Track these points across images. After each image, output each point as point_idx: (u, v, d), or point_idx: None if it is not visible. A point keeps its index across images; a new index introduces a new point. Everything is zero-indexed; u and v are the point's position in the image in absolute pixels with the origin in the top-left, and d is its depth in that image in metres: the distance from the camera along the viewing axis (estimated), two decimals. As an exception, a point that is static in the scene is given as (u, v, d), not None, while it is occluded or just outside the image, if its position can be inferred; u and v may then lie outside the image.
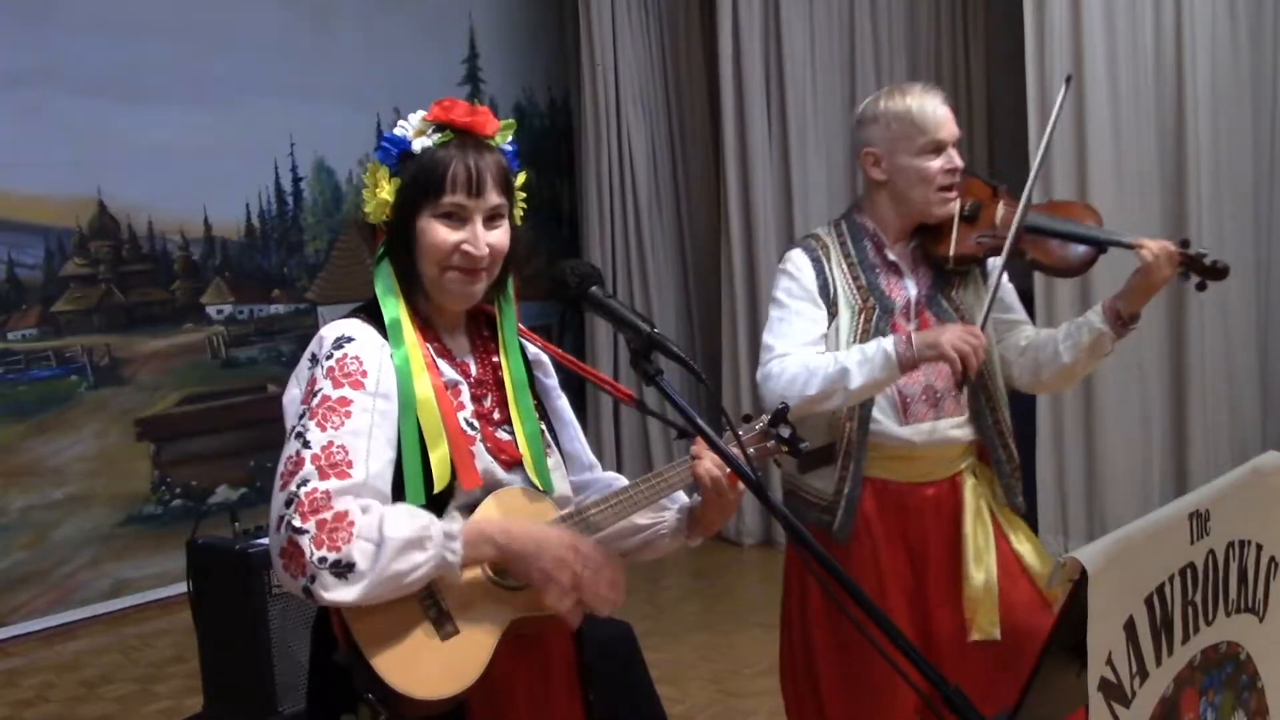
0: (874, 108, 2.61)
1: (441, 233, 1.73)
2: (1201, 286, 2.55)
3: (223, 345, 5.73)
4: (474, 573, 1.69)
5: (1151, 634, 1.34)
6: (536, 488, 1.79)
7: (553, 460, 1.85)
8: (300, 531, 1.55)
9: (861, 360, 2.43)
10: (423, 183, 1.73)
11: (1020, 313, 2.75)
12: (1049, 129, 2.67)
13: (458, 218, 1.73)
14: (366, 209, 1.78)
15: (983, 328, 2.49)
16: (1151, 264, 2.46)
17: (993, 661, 2.55)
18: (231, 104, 5.56)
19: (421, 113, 1.78)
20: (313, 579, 1.54)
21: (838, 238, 2.65)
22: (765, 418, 1.94)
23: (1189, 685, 1.42)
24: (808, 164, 5.78)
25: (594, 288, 1.76)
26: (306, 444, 1.62)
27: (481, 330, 1.88)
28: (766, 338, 2.63)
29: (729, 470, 1.74)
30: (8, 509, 5.08)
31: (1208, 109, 4.65)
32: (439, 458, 1.68)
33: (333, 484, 1.58)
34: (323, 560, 1.54)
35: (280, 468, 1.64)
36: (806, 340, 2.55)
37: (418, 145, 1.74)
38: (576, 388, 5.61)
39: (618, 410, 6.32)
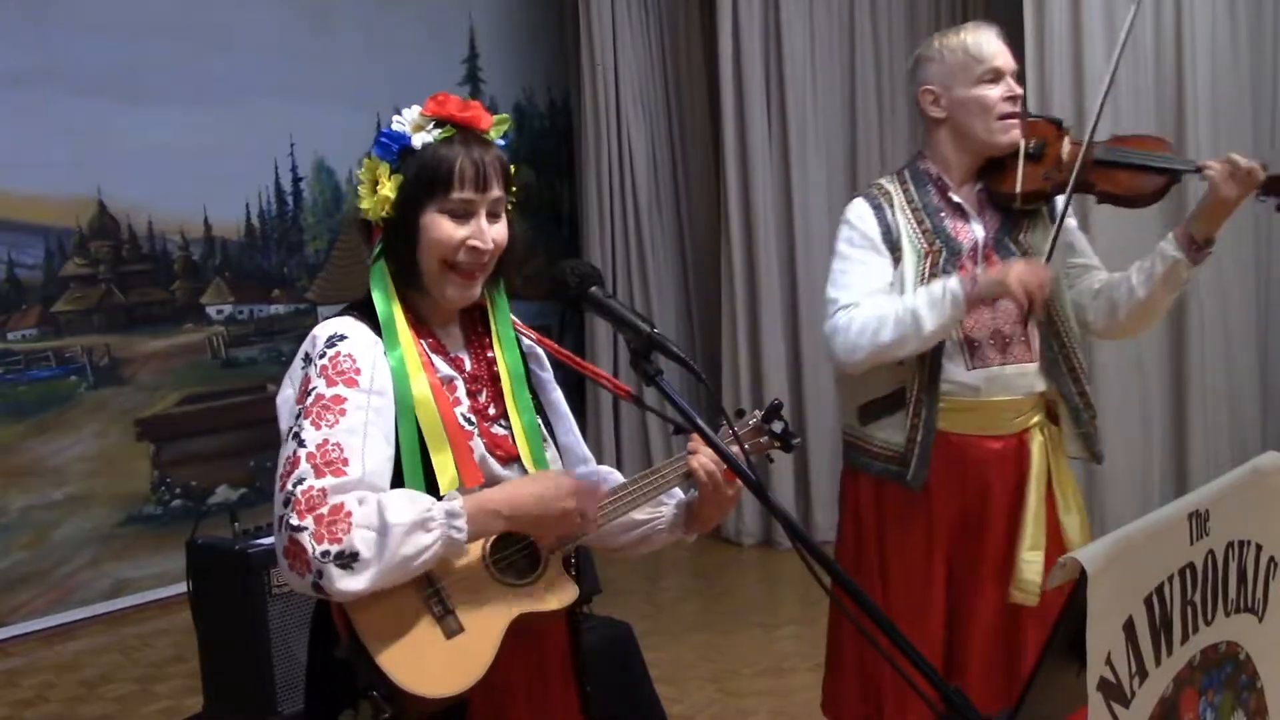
0: (929, 47, 2.61)
1: (447, 228, 1.73)
2: None
3: (223, 345, 5.73)
4: (477, 569, 1.70)
5: (1151, 634, 1.34)
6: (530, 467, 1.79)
7: (550, 454, 1.85)
8: (299, 529, 1.55)
9: (930, 303, 2.40)
10: (427, 179, 1.72)
11: (1093, 257, 2.70)
12: (1116, 56, 2.65)
13: (462, 213, 1.73)
14: (363, 205, 1.76)
15: (1048, 261, 2.46)
16: (1218, 180, 2.41)
17: (1029, 631, 2.53)
18: (231, 104, 5.56)
19: (417, 108, 1.77)
20: (319, 574, 1.54)
21: (900, 185, 2.62)
22: (758, 413, 1.95)
23: (1188, 685, 1.42)
24: (808, 164, 5.78)
25: (594, 288, 1.76)
26: (302, 443, 1.62)
27: (475, 325, 1.88)
28: (830, 290, 2.58)
29: (724, 466, 1.74)
30: (8, 509, 5.08)
31: (1208, 109, 4.65)
32: (442, 461, 1.68)
33: (329, 481, 1.59)
34: (325, 554, 1.54)
35: (279, 469, 1.64)
36: (871, 289, 2.51)
37: (418, 141, 1.74)
38: (575, 385, 5.61)
39: (617, 407, 6.32)
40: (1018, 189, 2.54)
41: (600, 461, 2.06)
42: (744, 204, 5.85)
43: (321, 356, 1.69)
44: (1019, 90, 2.55)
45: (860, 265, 2.54)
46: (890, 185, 2.62)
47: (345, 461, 1.61)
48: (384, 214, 1.74)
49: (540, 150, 6.79)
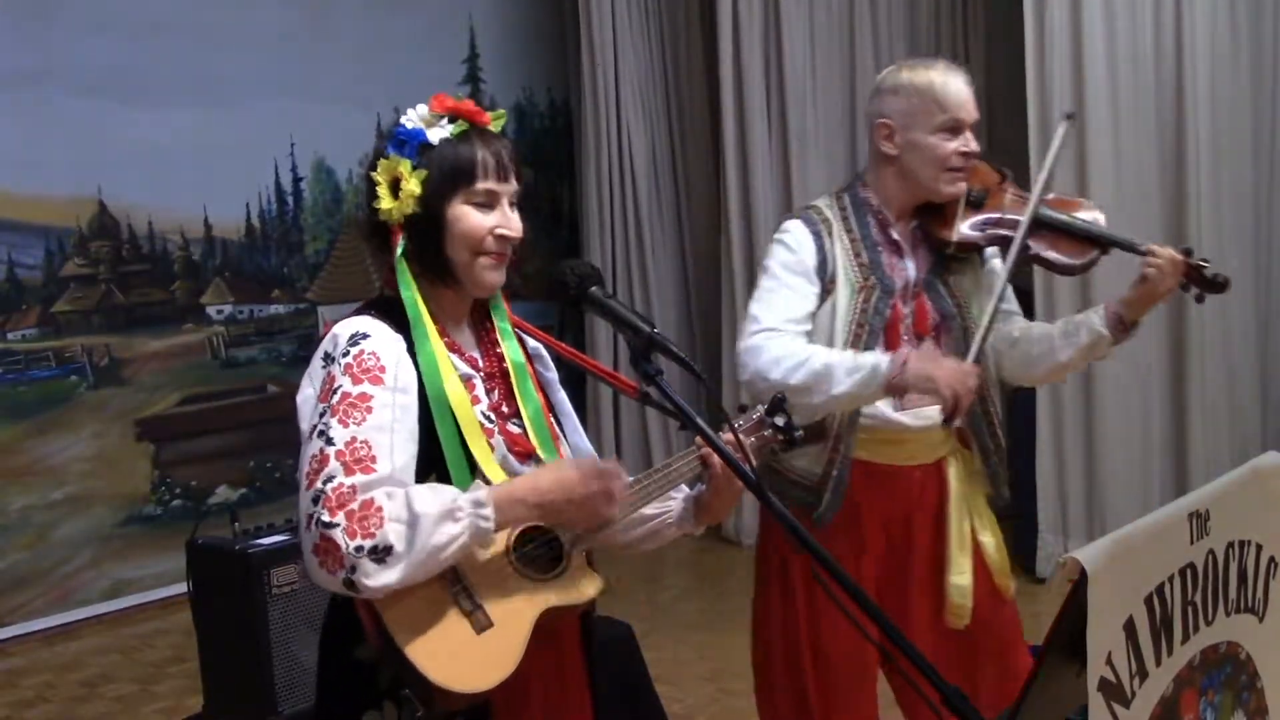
0: (895, 78, 2.53)
1: (475, 218, 1.75)
2: (1200, 299, 2.54)
3: (223, 345, 5.72)
4: (502, 563, 1.71)
5: (1151, 634, 1.34)
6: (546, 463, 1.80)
7: (564, 449, 1.87)
8: (331, 525, 1.55)
9: (852, 369, 2.37)
10: (452, 171, 1.74)
11: (1013, 303, 2.71)
12: (1051, 156, 2.61)
13: (487, 203, 1.76)
14: (383, 206, 1.75)
15: (979, 352, 2.46)
16: (1157, 273, 2.44)
17: (953, 649, 2.55)
18: (231, 104, 5.56)
19: (423, 106, 1.78)
20: (353, 569, 1.54)
21: (840, 211, 2.56)
22: (761, 407, 1.96)
23: (1189, 685, 1.42)
24: (808, 164, 5.78)
25: (594, 288, 1.77)
26: (330, 441, 1.62)
27: (482, 323, 1.89)
28: (754, 307, 2.52)
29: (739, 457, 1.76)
30: (8, 509, 5.07)
31: (1207, 109, 4.65)
32: (482, 449, 1.70)
33: (359, 479, 1.59)
34: (359, 549, 1.54)
35: (304, 467, 1.63)
36: (794, 316, 2.48)
37: (434, 136, 1.75)
38: (576, 383, 5.61)
39: (617, 406, 6.32)
40: (954, 237, 2.53)
41: (600, 458, 2.07)
42: (744, 204, 5.85)
43: (345, 355, 1.69)
44: (975, 146, 2.51)
45: (788, 291, 2.49)
46: (829, 211, 2.56)
47: (374, 459, 1.61)
48: (409, 211, 1.74)
49: (540, 150, 6.79)
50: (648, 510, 1.90)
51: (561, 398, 1.98)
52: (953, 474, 2.59)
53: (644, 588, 5.27)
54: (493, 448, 1.75)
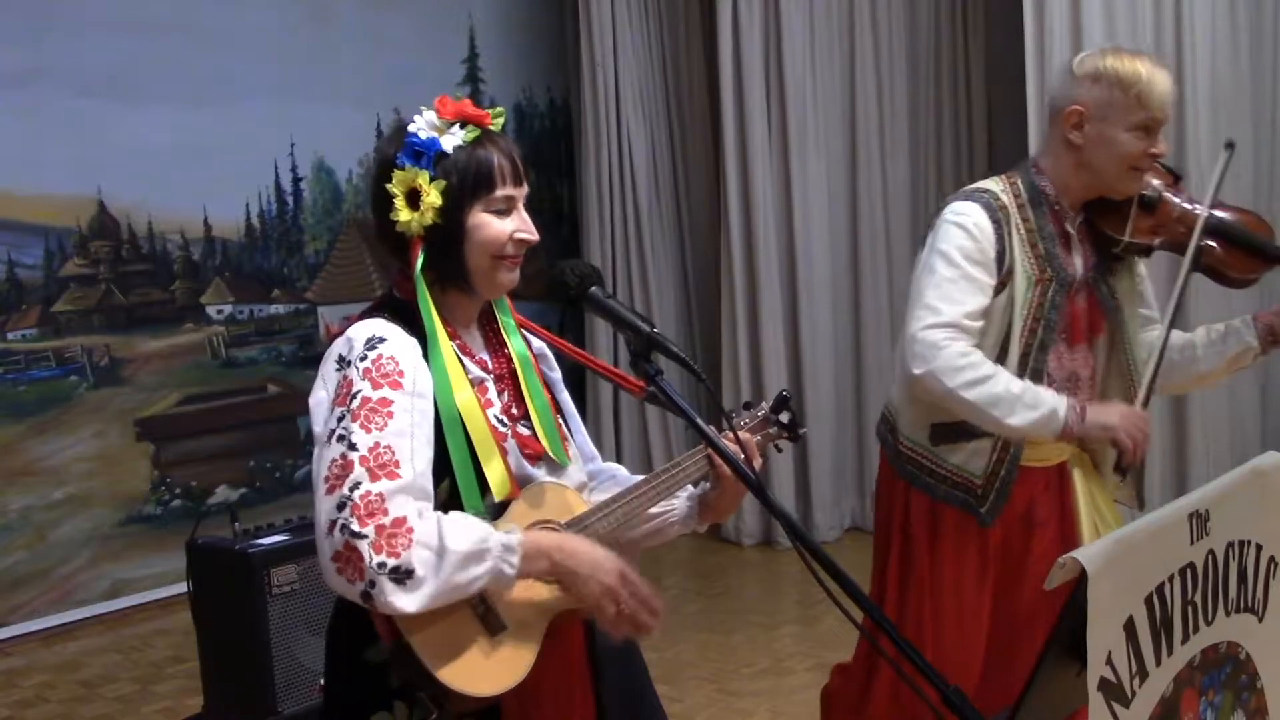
0: (1098, 64, 2.39)
1: (496, 225, 1.76)
2: None
3: (223, 345, 5.72)
4: None
5: (1151, 634, 1.34)
6: (556, 463, 1.81)
7: (572, 449, 1.88)
8: (359, 536, 1.54)
9: (1031, 405, 2.33)
10: (472, 180, 1.74)
11: (1154, 309, 2.65)
12: (1219, 170, 2.53)
13: (506, 210, 1.77)
14: (401, 218, 1.73)
15: (1164, 345, 2.44)
16: None
17: None
18: (231, 104, 5.56)
19: (430, 113, 1.77)
20: (371, 584, 1.54)
21: (1015, 198, 2.46)
22: (766, 405, 1.96)
23: (1189, 685, 1.42)
24: (808, 164, 5.78)
25: (594, 288, 1.77)
26: (353, 446, 1.61)
27: (489, 324, 1.90)
28: (931, 295, 2.38)
29: (743, 456, 1.77)
30: (8, 509, 5.07)
31: (1208, 109, 4.65)
32: (496, 471, 1.70)
33: (385, 485, 1.58)
34: (382, 566, 1.54)
35: (323, 471, 1.62)
36: (973, 312, 2.37)
37: (448, 144, 1.74)
38: (576, 383, 5.61)
39: (618, 405, 6.32)
40: (1125, 235, 2.45)
41: (603, 460, 2.08)
42: (744, 204, 5.85)
43: (363, 359, 1.68)
44: (1164, 149, 2.40)
45: (969, 283, 2.37)
46: (1004, 197, 2.45)
47: (397, 464, 1.61)
48: (429, 223, 1.73)
49: (540, 150, 6.79)
50: (652, 509, 1.90)
51: (565, 398, 1.98)
52: (1076, 477, 2.56)
53: (644, 588, 5.26)
54: (506, 452, 1.75)
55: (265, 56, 5.67)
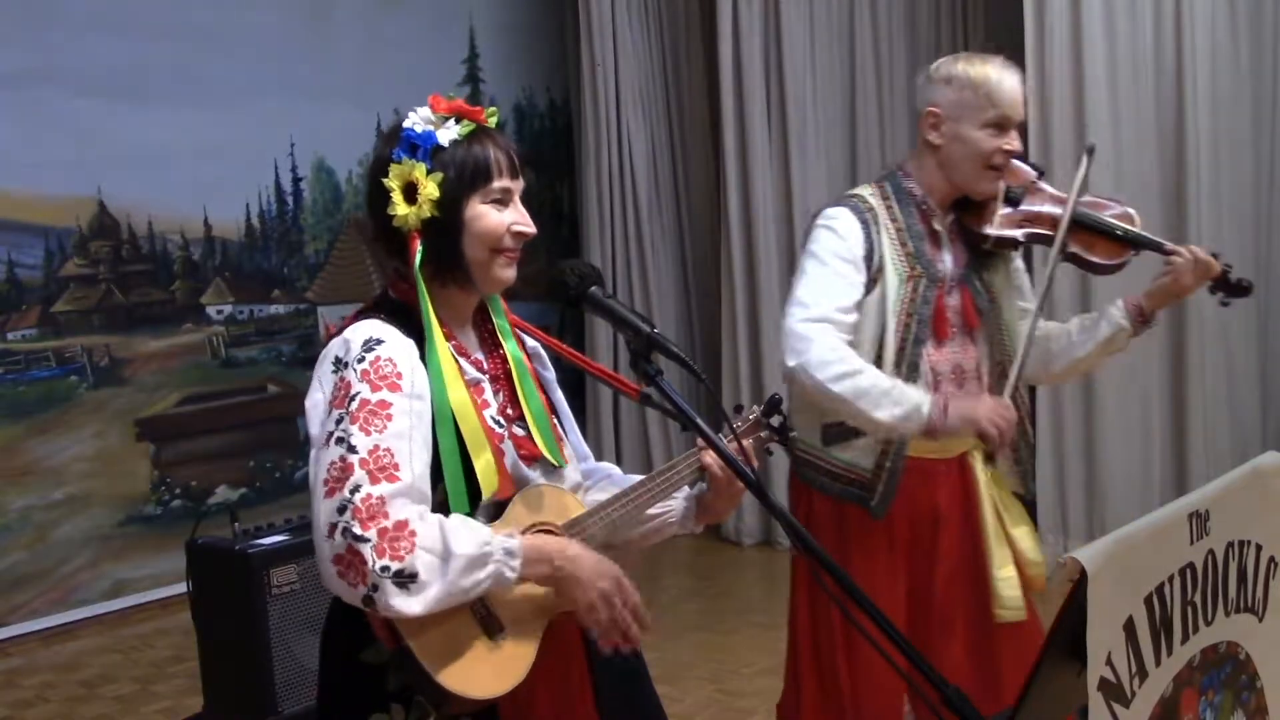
0: (950, 68, 2.54)
1: (494, 216, 1.75)
2: (1225, 303, 2.57)
3: (223, 345, 5.72)
4: None
5: (1151, 634, 1.34)
6: (552, 464, 1.81)
7: (567, 450, 1.88)
8: (361, 539, 1.54)
9: (896, 401, 2.39)
10: (469, 172, 1.74)
11: (1032, 301, 2.71)
12: (1083, 169, 2.61)
13: (503, 201, 1.77)
14: (399, 212, 1.73)
15: (1017, 381, 2.49)
16: (1177, 271, 2.47)
17: (985, 648, 2.56)
18: (231, 104, 5.56)
19: (425, 109, 1.78)
20: (374, 588, 1.54)
21: (884, 200, 2.57)
22: (758, 408, 1.97)
23: (1188, 685, 1.42)
24: (808, 164, 5.78)
25: (594, 288, 1.77)
26: (352, 449, 1.60)
27: (484, 322, 1.89)
28: (801, 291, 2.50)
29: (743, 456, 1.77)
30: (8, 509, 5.07)
31: (1208, 109, 4.65)
32: (484, 465, 1.69)
33: (385, 488, 1.58)
34: (385, 569, 1.54)
35: (321, 474, 1.61)
36: (843, 305, 2.47)
37: (444, 138, 1.74)
38: (575, 384, 5.61)
39: (617, 406, 6.32)
40: (991, 231, 2.55)
41: (599, 460, 2.08)
42: (744, 204, 5.85)
43: (360, 361, 1.68)
44: (1018, 146, 2.52)
45: (839, 279, 2.49)
46: (873, 200, 2.57)
47: (397, 467, 1.61)
48: (426, 216, 1.73)
49: (540, 150, 6.79)
50: (649, 510, 1.90)
51: (559, 398, 1.98)
52: (978, 468, 2.59)
53: (644, 588, 5.22)
54: (503, 453, 1.75)
55: (265, 56, 5.67)
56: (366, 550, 1.54)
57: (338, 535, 1.56)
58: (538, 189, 6.75)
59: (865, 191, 2.61)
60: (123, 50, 5.25)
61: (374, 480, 1.58)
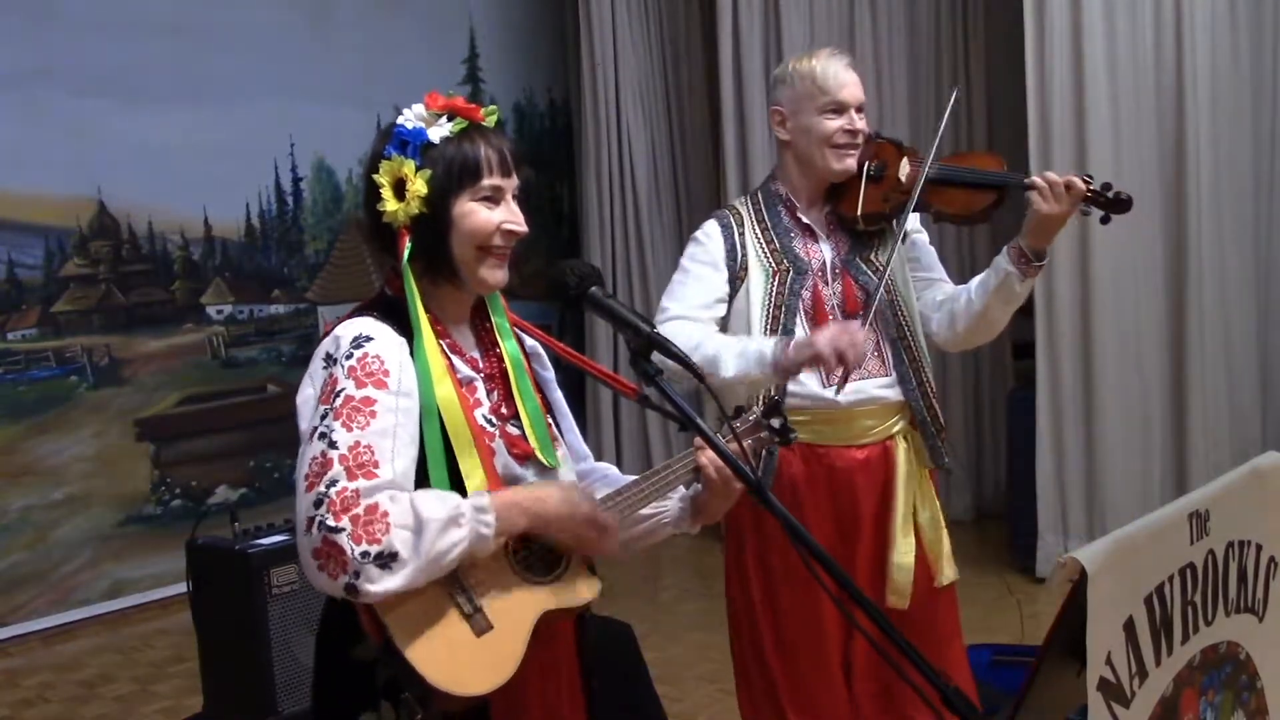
0: (784, 69, 2.68)
1: (483, 214, 1.75)
2: (1105, 220, 2.56)
3: (223, 345, 5.73)
4: (502, 566, 1.71)
5: (1151, 634, 1.34)
6: (546, 466, 1.81)
7: (561, 451, 1.87)
8: (336, 530, 1.55)
9: (740, 353, 2.47)
10: (458, 169, 1.73)
11: (938, 271, 2.78)
12: (943, 122, 2.74)
13: (493, 199, 1.76)
14: (389, 209, 1.73)
15: (880, 281, 2.56)
16: (1039, 198, 2.48)
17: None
18: (231, 104, 5.56)
19: (419, 106, 1.78)
20: (356, 574, 1.54)
21: (752, 205, 2.70)
22: (759, 409, 1.97)
23: (1188, 685, 1.41)
24: (808, 164, 5.77)
25: (594, 288, 1.77)
26: (333, 444, 1.61)
27: (482, 323, 1.89)
28: (664, 299, 2.67)
29: (742, 456, 1.77)
30: (8, 509, 5.07)
31: (1208, 109, 4.65)
32: (470, 465, 1.69)
33: (361, 484, 1.58)
34: (365, 554, 1.54)
35: (304, 469, 1.62)
36: (700, 303, 2.61)
37: (435, 135, 1.74)
38: (575, 384, 5.61)
39: (617, 406, 6.32)
40: (858, 211, 2.63)
41: (600, 460, 2.07)
42: (744, 204, 5.84)
43: (349, 357, 1.68)
44: (859, 125, 2.62)
45: (694, 280, 2.62)
46: (742, 207, 2.70)
47: (376, 464, 1.61)
48: (415, 212, 1.73)
49: (540, 150, 6.79)
50: (644, 510, 1.90)
51: (558, 397, 1.97)
52: (901, 454, 2.63)
53: (644, 588, 5.26)
54: (494, 451, 1.75)
55: (265, 56, 5.68)
56: (343, 540, 1.54)
57: (314, 529, 1.56)
58: (538, 189, 6.75)
59: (737, 201, 2.76)
60: (123, 50, 5.25)
61: (351, 476, 1.58)
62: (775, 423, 1.96)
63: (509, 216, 1.77)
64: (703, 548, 5.73)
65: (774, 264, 2.62)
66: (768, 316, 2.60)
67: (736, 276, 2.62)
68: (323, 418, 1.64)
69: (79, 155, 5.20)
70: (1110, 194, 2.50)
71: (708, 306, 2.61)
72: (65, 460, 5.23)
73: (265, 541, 3.57)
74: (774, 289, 2.60)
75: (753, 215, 2.68)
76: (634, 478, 1.90)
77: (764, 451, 2.51)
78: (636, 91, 6.31)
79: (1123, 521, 1.40)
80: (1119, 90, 4.74)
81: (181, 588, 3.99)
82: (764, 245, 2.64)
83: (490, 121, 1.80)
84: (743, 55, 5.78)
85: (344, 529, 1.55)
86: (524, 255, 1.84)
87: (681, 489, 1.94)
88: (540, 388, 1.91)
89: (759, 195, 2.71)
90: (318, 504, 1.57)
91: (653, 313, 2.58)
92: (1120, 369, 4.77)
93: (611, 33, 6.22)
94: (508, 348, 1.86)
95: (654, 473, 1.86)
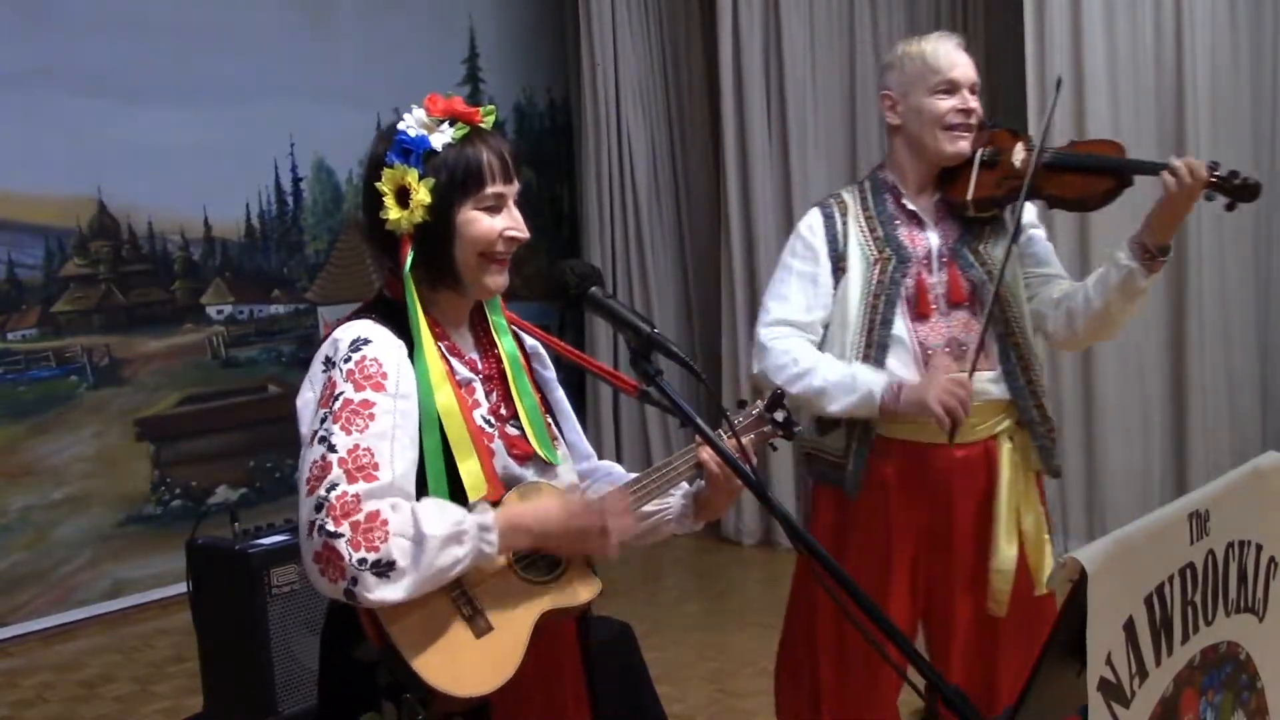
0: (893, 54, 2.65)
1: (486, 222, 1.75)
2: (1231, 207, 2.43)
3: (223, 345, 5.73)
4: (502, 567, 1.71)
5: (1151, 634, 1.34)
6: (546, 462, 1.81)
7: (561, 451, 1.87)
8: (335, 535, 1.55)
9: (849, 390, 2.44)
10: (461, 177, 1.73)
11: (1055, 266, 2.69)
12: (1050, 109, 2.67)
13: (496, 206, 1.76)
14: (391, 217, 1.72)
15: (1000, 276, 2.48)
16: (1174, 184, 2.35)
17: (984, 638, 2.54)
18: (231, 104, 5.56)
19: (420, 111, 1.77)
20: (354, 581, 1.55)
21: (859, 194, 2.64)
22: (760, 403, 1.96)
23: (1189, 685, 1.41)
24: (808, 164, 5.78)
25: (594, 288, 1.77)
26: (332, 448, 1.61)
27: (481, 324, 1.89)
28: (768, 298, 2.62)
29: (741, 455, 1.77)
30: (8, 509, 5.08)
31: (1208, 109, 4.65)
32: (470, 470, 1.69)
33: (361, 487, 1.58)
34: (362, 561, 1.54)
35: (305, 473, 1.63)
36: (803, 306, 2.56)
37: (437, 142, 1.74)
38: (576, 383, 5.61)
39: (617, 404, 6.32)
40: (969, 196, 2.56)
41: (600, 458, 2.07)
42: (744, 204, 5.85)
43: (347, 360, 1.68)
44: (973, 104, 2.57)
45: (797, 279, 2.59)
46: (848, 195, 2.65)
47: (376, 466, 1.61)
48: (418, 220, 1.73)
49: (540, 150, 6.79)
50: (646, 507, 1.90)
51: (559, 396, 1.98)
52: (1005, 456, 2.54)
53: (644, 587, 5.27)
54: (493, 453, 1.75)
55: (265, 56, 5.68)
56: (341, 545, 1.54)
57: (315, 533, 1.57)
58: (537, 189, 6.75)
59: (844, 190, 2.70)
60: (123, 50, 5.25)
61: (351, 479, 1.59)
62: (778, 416, 1.96)
63: (511, 223, 1.77)
64: (703, 548, 5.74)
65: (875, 251, 2.56)
66: (866, 305, 2.53)
67: (839, 266, 2.57)
68: (322, 421, 1.64)
69: (79, 155, 5.20)
70: (1238, 180, 2.36)
71: (810, 309, 2.57)
72: (65, 460, 5.23)
73: (265, 541, 3.56)
74: (874, 277, 2.54)
75: (858, 202, 2.62)
76: (635, 475, 1.90)
77: (852, 446, 2.52)
78: (636, 91, 6.31)
79: (1123, 521, 1.40)
80: (1119, 90, 4.74)
81: (181, 588, 3.99)
82: (867, 233, 2.58)
83: (488, 122, 1.80)
84: (743, 55, 5.78)
85: (343, 534, 1.55)
86: (524, 255, 1.84)
87: (684, 485, 1.94)
88: (540, 387, 1.91)
89: (866, 184, 2.65)
90: (318, 508, 1.57)
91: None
92: (1120, 369, 4.77)
93: (611, 33, 6.22)
94: (505, 345, 1.86)
95: (656, 469, 1.87)
